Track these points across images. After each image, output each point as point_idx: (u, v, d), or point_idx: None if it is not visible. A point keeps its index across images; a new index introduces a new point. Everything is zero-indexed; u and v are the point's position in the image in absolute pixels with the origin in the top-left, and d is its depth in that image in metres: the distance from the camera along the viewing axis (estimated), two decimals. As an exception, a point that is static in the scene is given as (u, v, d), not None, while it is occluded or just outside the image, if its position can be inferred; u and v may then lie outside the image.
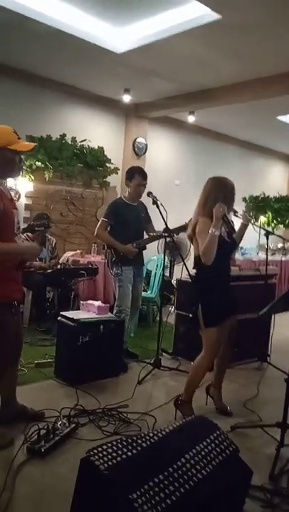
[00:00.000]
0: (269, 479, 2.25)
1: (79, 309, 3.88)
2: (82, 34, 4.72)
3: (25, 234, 2.86)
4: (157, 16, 4.51)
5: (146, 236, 4.04)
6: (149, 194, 3.78)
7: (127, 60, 5.18)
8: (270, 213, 8.38)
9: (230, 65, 5.22)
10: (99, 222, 4.01)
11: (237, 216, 2.95)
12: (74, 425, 2.61)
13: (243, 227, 3.00)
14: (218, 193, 2.78)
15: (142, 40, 4.81)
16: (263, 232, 3.73)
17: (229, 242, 2.85)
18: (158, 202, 3.66)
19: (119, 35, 4.94)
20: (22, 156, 2.43)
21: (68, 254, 5.47)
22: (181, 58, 5.08)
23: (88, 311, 3.65)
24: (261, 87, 5.70)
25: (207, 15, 4.08)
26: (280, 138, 8.91)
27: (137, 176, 3.89)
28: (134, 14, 4.55)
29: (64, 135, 5.98)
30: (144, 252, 4.07)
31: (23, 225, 2.71)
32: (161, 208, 3.63)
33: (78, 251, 5.60)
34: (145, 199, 3.96)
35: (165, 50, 4.88)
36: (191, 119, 7.26)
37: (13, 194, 2.59)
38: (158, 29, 4.61)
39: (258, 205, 8.34)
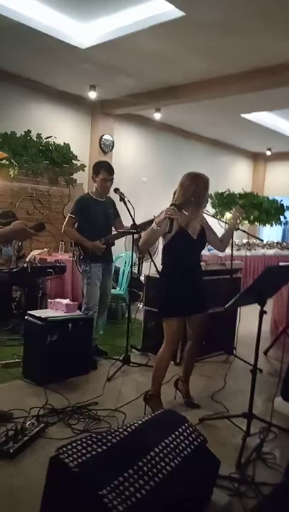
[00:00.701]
0: (236, 468, 2.32)
1: (47, 308, 3.84)
2: (46, 28, 4.65)
3: None
4: (122, 11, 4.50)
5: (114, 232, 4.03)
6: (116, 190, 3.77)
7: (91, 55, 5.14)
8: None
9: (196, 63, 5.28)
10: (66, 219, 3.94)
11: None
12: (43, 425, 2.59)
13: (232, 225, 3.11)
14: (189, 188, 2.81)
15: (107, 35, 4.79)
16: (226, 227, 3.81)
17: (195, 240, 2.89)
18: (125, 198, 3.66)
19: (84, 31, 4.90)
20: None
21: (35, 252, 5.38)
22: (147, 55, 5.09)
23: (56, 310, 3.62)
24: (226, 85, 5.79)
25: (171, 11, 4.11)
26: (245, 135, 9.11)
27: (102, 170, 3.86)
28: (99, 9, 4.53)
29: (29, 131, 5.88)
30: (112, 248, 4.07)
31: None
32: (128, 204, 3.64)
33: (45, 249, 5.53)
34: (113, 195, 3.95)
35: (130, 47, 4.88)
36: (157, 116, 7.30)
37: None
38: (122, 25, 4.60)
39: (224, 201, 8.48)
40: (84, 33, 4.91)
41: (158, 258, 4.01)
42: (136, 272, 6.00)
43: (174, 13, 4.10)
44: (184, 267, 2.88)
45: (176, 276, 2.88)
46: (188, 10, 4.01)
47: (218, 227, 3.49)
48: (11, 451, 2.30)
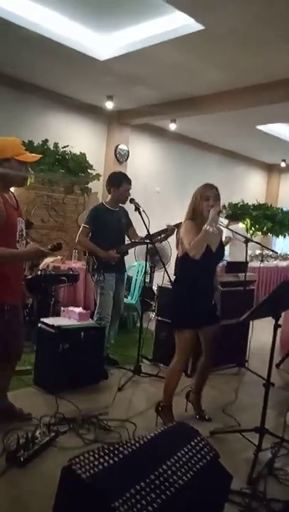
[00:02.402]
0: (247, 484, 2.29)
1: (59, 316, 3.86)
2: (66, 40, 4.74)
3: None
4: (141, 24, 4.57)
5: (127, 241, 4.05)
6: (132, 201, 3.79)
7: (110, 67, 5.21)
8: (248, 220, 8.53)
9: (213, 75, 5.32)
10: (80, 229, 3.97)
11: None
12: (54, 433, 2.59)
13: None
14: (204, 198, 2.80)
15: (126, 48, 4.86)
16: (242, 238, 3.81)
17: (214, 254, 2.87)
18: (140, 208, 3.68)
19: (103, 43, 4.98)
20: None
21: (48, 260, 5.42)
22: (164, 66, 5.15)
23: (69, 318, 3.64)
24: (242, 97, 5.82)
25: (191, 25, 4.16)
26: (259, 147, 9.11)
27: (124, 181, 3.89)
28: (118, 22, 4.60)
29: (46, 141, 5.96)
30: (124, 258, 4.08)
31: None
32: (143, 214, 3.66)
33: (59, 257, 5.57)
34: (126, 205, 3.97)
35: (148, 58, 4.94)
36: (172, 126, 7.35)
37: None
38: (141, 37, 4.67)
39: (237, 212, 8.47)
40: (103, 44, 4.99)
41: (170, 268, 4.03)
42: (148, 281, 6.01)
43: (194, 26, 4.15)
44: (201, 279, 2.87)
45: (191, 288, 2.86)
46: (207, 23, 4.05)
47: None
48: (22, 459, 2.31)
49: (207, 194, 2.79)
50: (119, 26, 4.69)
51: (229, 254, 6.64)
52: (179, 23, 4.25)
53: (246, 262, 4.39)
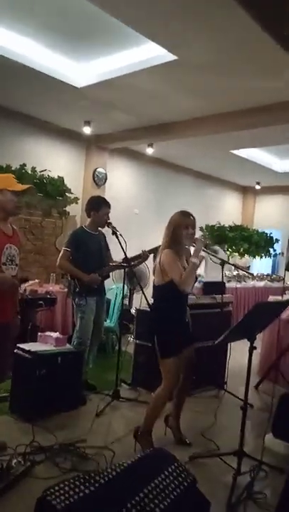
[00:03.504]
0: (226, 508, 2.27)
1: (36, 341, 3.81)
2: (45, 68, 4.84)
3: None
4: (117, 53, 4.71)
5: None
6: (109, 224, 3.83)
7: (87, 93, 5.32)
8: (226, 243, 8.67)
9: (188, 102, 5.49)
10: (61, 253, 3.95)
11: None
12: (29, 463, 2.53)
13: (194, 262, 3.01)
14: (181, 226, 2.86)
15: (102, 75, 4.99)
16: (218, 261, 3.86)
17: None
18: (117, 232, 3.71)
19: (80, 71, 5.09)
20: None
21: (26, 284, 5.37)
22: (140, 94, 5.29)
23: (46, 343, 3.60)
24: (216, 123, 6.01)
25: (165, 55, 4.31)
26: (234, 170, 9.36)
27: (103, 205, 3.93)
28: (95, 51, 4.74)
29: (24, 165, 5.99)
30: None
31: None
32: (120, 238, 3.69)
33: (36, 280, 5.53)
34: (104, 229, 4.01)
35: (124, 86, 5.07)
36: (149, 151, 7.50)
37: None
38: (117, 66, 4.80)
39: (214, 234, 8.61)
40: (80, 72, 5.11)
41: (148, 290, 4.05)
42: (126, 304, 6.00)
43: (167, 56, 4.30)
44: (182, 306, 2.91)
45: (173, 315, 2.89)
46: (180, 54, 4.21)
47: (208, 261, 3.55)
48: (-4, 491, 2.24)
49: (186, 223, 2.86)
50: (96, 55, 4.82)
51: (205, 275, 6.72)
52: (154, 52, 4.40)
53: (223, 283, 4.44)
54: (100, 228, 4.05)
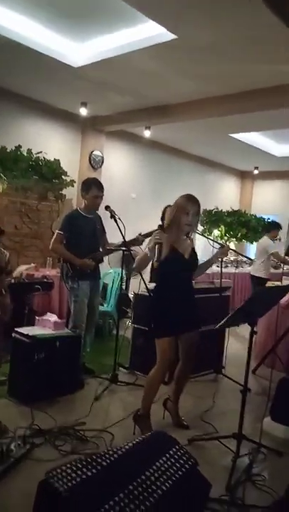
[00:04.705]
0: (226, 490, 2.29)
1: (34, 325, 3.78)
2: (41, 47, 4.72)
3: None
4: (115, 32, 4.60)
5: (101, 248, 4.02)
6: (107, 208, 3.77)
7: (84, 74, 5.21)
8: (223, 227, 8.64)
9: (186, 84, 5.39)
10: (54, 236, 3.91)
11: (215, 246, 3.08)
12: (29, 446, 2.53)
13: (212, 261, 3.07)
14: (171, 210, 2.84)
15: (100, 55, 4.88)
16: (216, 245, 3.83)
17: (187, 260, 2.88)
18: (116, 216, 3.66)
19: (77, 50, 4.98)
20: None
21: (22, 267, 5.32)
22: (139, 74, 5.19)
23: (44, 327, 3.57)
24: (215, 106, 5.92)
25: (164, 34, 4.21)
26: (233, 154, 9.28)
27: (93, 187, 3.87)
28: (93, 30, 4.62)
29: (19, 146, 5.88)
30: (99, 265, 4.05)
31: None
32: (118, 221, 3.64)
33: (33, 264, 5.48)
34: (102, 212, 3.95)
35: (122, 66, 4.97)
36: (147, 133, 7.40)
37: None
38: (116, 45, 4.69)
39: (212, 219, 8.58)
40: (78, 52, 4.99)
41: (145, 275, 4.03)
42: (124, 288, 5.98)
43: (167, 35, 4.20)
44: (177, 287, 2.88)
45: (168, 296, 2.87)
46: (180, 33, 4.11)
47: (206, 244, 3.52)
48: (-3, 473, 2.24)
49: (187, 208, 2.80)
50: (94, 34, 4.70)
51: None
52: (153, 31, 4.30)
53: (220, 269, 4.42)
54: (97, 211, 3.99)
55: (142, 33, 4.43)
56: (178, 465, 1.94)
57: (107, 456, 1.86)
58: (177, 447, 2.04)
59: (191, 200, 2.83)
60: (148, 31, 4.36)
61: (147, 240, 3.93)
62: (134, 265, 2.89)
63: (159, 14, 3.87)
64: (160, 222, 3.95)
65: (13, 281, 4.58)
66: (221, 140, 8.00)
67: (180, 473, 1.91)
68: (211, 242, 3.43)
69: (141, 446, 2.02)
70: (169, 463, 1.94)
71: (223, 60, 4.59)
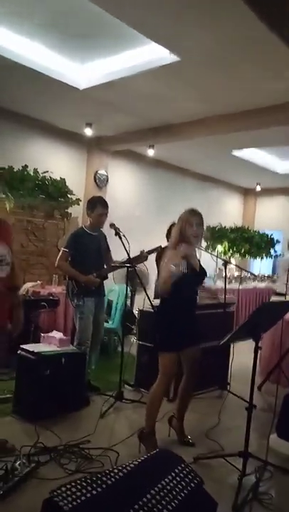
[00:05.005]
0: (232, 510, 2.27)
1: (39, 342, 3.80)
2: (46, 70, 4.85)
3: None
4: (119, 54, 4.72)
5: (106, 265, 4.06)
6: (112, 225, 3.83)
7: (89, 95, 5.33)
8: (226, 243, 8.67)
9: (189, 103, 5.50)
10: (60, 253, 3.96)
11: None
12: (34, 464, 2.53)
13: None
14: (188, 224, 2.86)
15: (104, 77, 5.00)
16: (220, 261, 3.87)
17: (198, 273, 2.93)
18: (120, 233, 3.71)
19: (82, 72, 5.10)
20: None
21: (28, 285, 5.37)
22: (142, 95, 5.30)
23: (49, 344, 3.59)
24: (218, 124, 6.02)
25: (167, 56, 4.32)
26: (235, 171, 9.37)
27: (98, 205, 3.93)
28: (97, 52, 4.75)
29: (26, 166, 5.99)
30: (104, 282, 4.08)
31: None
32: (123, 238, 3.69)
33: (38, 282, 5.52)
34: (107, 229, 4.01)
35: (126, 88, 5.08)
36: (150, 152, 7.50)
37: None
38: (119, 67, 4.81)
39: (215, 235, 8.61)
40: (82, 74, 5.12)
41: (149, 291, 4.05)
42: (129, 305, 5.99)
43: (170, 58, 4.31)
44: (186, 301, 2.91)
45: (177, 311, 2.89)
46: (183, 55, 4.21)
47: (210, 260, 3.55)
48: (1, 492, 2.24)
49: (190, 220, 2.86)
50: (97, 56, 4.83)
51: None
52: (157, 54, 4.41)
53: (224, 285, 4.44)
54: (101, 229, 4.05)
55: (145, 55, 4.54)
56: (183, 483, 1.93)
57: (112, 474, 1.86)
58: (183, 465, 2.03)
59: (190, 212, 2.91)
60: (151, 53, 4.47)
61: (151, 256, 3.99)
62: (159, 289, 2.84)
63: (161, 36, 3.98)
64: (165, 239, 4.00)
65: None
66: (224, 158, 8.09)
67: (186, 491, 1.90)
68: (214, 257, 3.46)
69: (146, 464, 2.02)
70: (174, 481, 1.93)
71: (225, 79, 4.69)
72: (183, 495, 1.87)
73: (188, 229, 2.85)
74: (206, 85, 4.91)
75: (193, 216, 2.88)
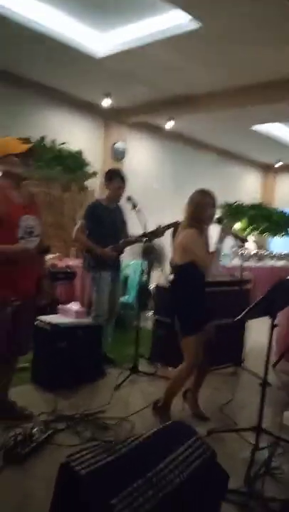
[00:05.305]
0: (244, 483, 2.29)
1: (56, 313, 3.85)
2: (63, 37, 4.74)
3: None
4: (138, 22, 4.58)
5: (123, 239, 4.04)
6: (129, 199, 3.79)
7: (106, 64, 5.21)
8: (244, 220, 8.55)
9: (210, 74, 5.33)
10: (77, 225, 3.95)
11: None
12: (51, 431, 2.59)
13: (218, 247, 2.94)
14: (203, 207, 2.82)
15: (122, 45, 4.87)
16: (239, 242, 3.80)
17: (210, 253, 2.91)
18: (137, 207, 3.68)
19: (100, 40, 4.97)
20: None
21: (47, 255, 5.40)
22: (161, 65, 5.15)
23: (66, 316, 3.63)
24: (239, 96, 5.85)
25: (188, 23, 4.17)
26: (255, 147, 9.14)
27: (116, 178, 3.89)
28: (115, 20, 4.60)
29: (44, 137, 5.94)
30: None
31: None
32: (140, 212, 3.66)
33: (56, 254, 5.56)
34: (124, 203, 3.97)
35: (145, 57, 4.94)
36: (169, 125, 7.35)
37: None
38: (138, 35, 4.68)
39: (233, 212, 8.50)
40: (100, 42, 4.99)
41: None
42: (145, 280, 5.99)
43: (190, 24, 4.15)
44: (202, 281, 2.89)
45: (197, 292, 2.88)
46: (205, 21, 4.05)
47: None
48: (19, 456, 2.31)
49: (207, 202, 2.83)
50: (117, 24, 4.69)
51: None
52: (176, 21, 4.27)
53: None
54: (118, 202, 4.01)
55: (165, 22, 4.39)
56: (196, 455, 1.96)
57: (126, 443, 1.89)
58: (196, 437, 2.05)
59: (206, 193, 2.87)
60: (171, 21, 4.32)
61: (167, 232, 3.95)
62: (207, 268, 2.81)
63: (182, 1, 3.83)
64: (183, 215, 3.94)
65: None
66: (244, 132, 7.89)
67: (198, 462, 1.92)
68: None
69: (159, 435, 2.05)
70: (187, 452, 1.95)
71: (247, 49, 4.52)
72: (195, 465, 1.89)
73: (203, 211, 2.82)
74: (226, 55, 4.76)
75: (209, 198, 2.85)
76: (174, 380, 2.92)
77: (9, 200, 2.50)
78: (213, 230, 2.99)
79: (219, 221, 2.93)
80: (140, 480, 1.70)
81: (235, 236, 3.10)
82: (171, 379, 2.97)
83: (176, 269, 2.97)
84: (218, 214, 2.94)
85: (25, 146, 2.55)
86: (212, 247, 2.93)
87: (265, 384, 2.60)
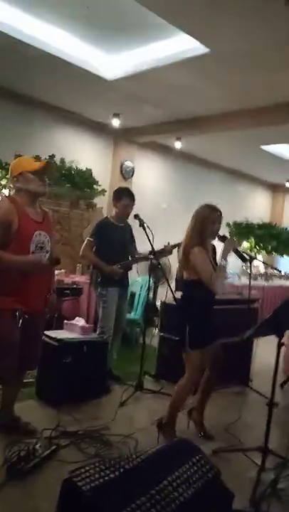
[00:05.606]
0: (250, 503, 2.25)
1: (62, 329, 3.86)
2: (75, 60, 4.87)
3: None
4: (148, 46, 4.69)
5: (130, 257, 4.07)
6: (136, 216, 3.82)
7: (117, 86, 5.33)
8: (252, 239, 8.55)
9: (219, 95, 5.43)
10: (85, 242, 3.99)
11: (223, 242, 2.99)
12: (54, 447, 2.57)
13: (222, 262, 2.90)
14: (209, 221, 2.83)
15: (133, 68, 4.98)
16: (246, 257, 3.80)
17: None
18: (145, 224, 3.71)
19: (111, 63, 5.10)
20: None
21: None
22: (170, 87, 5.26)
23: (71, 331, 3.64)
24: (248, 118, 5.92)
25: (197, 47, 4.27)
26: (264, 166, 9.20)
27: (125, 196, 3.95)
28: (126, 43, 4.73)
29: (53, 156, 6.06)
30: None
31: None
32: (147, 230, 3.68)
33: (62, 270, 5.59)
34: (132, 221, 4.01)
35: (154, 79, 5.05)
36: (177, 145, 7.45)
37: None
38: (148, 59, 4.79)
39: (241, 231, 8.51)
40: (111, 64, 5.11)
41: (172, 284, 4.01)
42: (151, 297, 5.99)
43: (200, 48, 4.25)
44: (211, 297, 2.89)
45: (204, 309, 2.89)
46: (214, 46, 4.15)
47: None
48: (22, 471, 2.29)
49: (213, 217, 2.84)
50: (127, 47, 4.81)
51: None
52: (186, 45, 4.36)
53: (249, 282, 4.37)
54: (126, 220, 4.05)
55: (175, 46, 4.50)
56: (200, 473, 1.93)
57: (130, 459, 1.87)
58: (200, 456, 2.03)
59: (212, 208, 2.88)
60: (180, 45, 4.42)
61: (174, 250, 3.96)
62: (213, 285, 2.76)
63: (191, 27, 3.94)
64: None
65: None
66: (253, 152, 7.96)
67: (202, 481, 1.89)
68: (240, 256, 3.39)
69: (164, 452, 2.02)
70: (191, 470, 1.92)
71: (256, 71, 4.60)
72: (199, 484, 1.86)
73: (209, 226, 2.83)
74: (235, 78, 4.83)
75: (215, 213, 2.85)
76: (176, 395, 2.90)
77: (26, 215, 2.59)
78: (219, 247, 3.01)
79: (223, 239, 2.93)
80: (143, 497, 1.67)
81: (236, 252, 3.07)
82: (173, 394, 2.95)
83: (184, 284, 2.98)
84: (223, 231, 2.94)
85: (40, 163, 2.66)
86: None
87: (271, 404, 2.57)
